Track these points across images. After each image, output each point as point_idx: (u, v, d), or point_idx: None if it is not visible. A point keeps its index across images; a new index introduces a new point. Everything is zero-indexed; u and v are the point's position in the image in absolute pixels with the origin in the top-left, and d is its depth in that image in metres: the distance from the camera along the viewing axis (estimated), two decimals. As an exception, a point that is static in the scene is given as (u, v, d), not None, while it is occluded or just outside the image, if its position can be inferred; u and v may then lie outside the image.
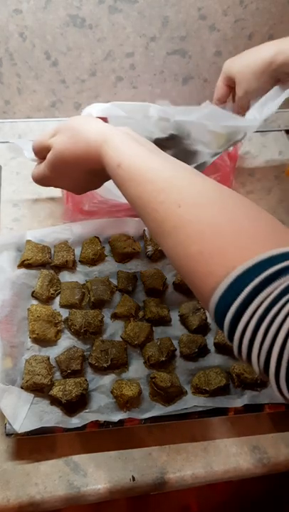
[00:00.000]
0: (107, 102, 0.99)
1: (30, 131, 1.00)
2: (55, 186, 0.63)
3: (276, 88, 0.73)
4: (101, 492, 0.60)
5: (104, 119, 0.65)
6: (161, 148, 0.51)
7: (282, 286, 0.33)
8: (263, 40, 0.95)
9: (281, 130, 1.09)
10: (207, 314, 0.71)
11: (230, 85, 0.76)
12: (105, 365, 0.65)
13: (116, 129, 0.52)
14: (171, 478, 0.61)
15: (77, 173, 0.56)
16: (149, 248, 0.78)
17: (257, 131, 1.08)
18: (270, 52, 0.70)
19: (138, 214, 0.47)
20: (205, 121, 0.72)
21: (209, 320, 0.72)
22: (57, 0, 0.83)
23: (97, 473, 0.61)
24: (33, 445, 0.62)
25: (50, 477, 0.60)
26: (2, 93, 0.95)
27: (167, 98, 1.02)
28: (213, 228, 0.39)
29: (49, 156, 0.56)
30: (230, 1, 0.88)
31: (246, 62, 0.72)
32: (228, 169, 0.90)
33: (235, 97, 0.76)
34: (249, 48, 0.96)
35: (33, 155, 0.63)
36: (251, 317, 0.34)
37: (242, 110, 0.77)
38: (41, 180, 0.61)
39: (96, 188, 0.62)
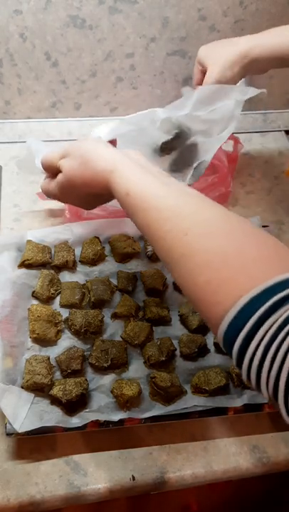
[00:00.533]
0: (106, 102, 1.00)
1: (31, 131, 1.01)
2: (64, 203, 0.66)
3: (243, 80, 0.74)
4: (101, 491, 0.60)
5: (114, 142, 0.65)
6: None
7: (286, 314, 0.34)
8: (263, 40, 0.95)
9: (281, 130, 1.10)
10: None
11: (204, 71, 0.76)
12: (105, 364, 0.65)
13: (125, 155, 0.53)
14: (171, 478, 0.61)
15: (85, 196, 0.58)
16: (149, 248, 0.79)
17: (257, 132, 1.09)
18: (247, 45, 0.71)
19: (147, 239, 0.47)
20: (196, 111, 0.72)
21: None
22: (57, 1, 0.83)
23: (97, 472, 0.61)
24: (34, 445, 0.62)
25: (50, 477, 0.60)
26: (2, 93, 0.96)
27: (167, 99, 1.02)
28: (220, 257, 0.39)
29: (59, 178, 0.58)
30: (230, 2, 0.88)
31: (222, 53, 0.72)
32: (225, 170, 0.90)
33: (203, 84, 0.75)
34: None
35: (40, 166, 0.64)
36: (258, 345, 0.34)
37: None
38: (50, 196, 0.63)
39: (105, 203, 0.63)
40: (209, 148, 0.74)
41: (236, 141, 0.94)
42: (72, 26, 0.87)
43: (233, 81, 0.73)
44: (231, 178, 0.91)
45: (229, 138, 0.94)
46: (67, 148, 0.57)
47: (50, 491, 0.59)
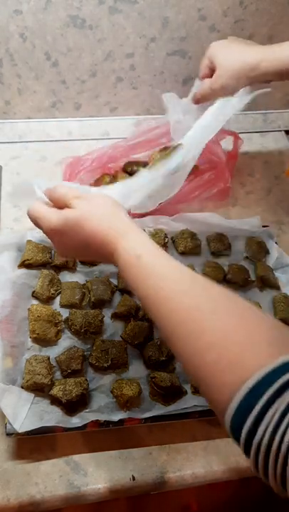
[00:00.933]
0: (106, 102, 1.00)
1: (31, 131, 1.01)
2: (51, 239, 0.57)
3: (245, 89, 0.75)
4: (101, 491, 0.60)
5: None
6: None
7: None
8: (263, 40, 0.95)
9: (281, 130, 1.10)
10: None
11: (212, 69, 0.76)
12: (105, 364, 0.65)
13: (137, 225, 0.51)
14: (171, 478, 0.61)
15: (84, 242, 0.53)
16: None
17: (257, 132, 1.09)
18: (255, 58, 0.71)
19: (150, 311, 0.46)
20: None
21: None
22: (57, 1, 0.83)
23: (97, 472, 0.61)
24: (34, 445, 0.62)
25: (50, 477, 0.60)
26: (2, 94, 0.96)
27: (167, 98, 1.02)
28: (229, 338, 0.39)
29: (66, 212, 0.53)
30: (230, 2, 0.88)
31: (231, 60, 0.73)
32: (223, 165, 0.90)
33: (210, 85, 0.75)
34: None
35: (43, 195, 0.57)
36: (263, 435, 0.34)
37: (203, 99, 0.78)
38: (41, 223, 0.56)
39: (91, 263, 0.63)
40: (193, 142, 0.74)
41: (236, 136, 0.94)
42: (72, 26, 0.87)
43: (236, 89, 0.74)
44: (230, 174, 0.90)
45: (228, 134, 0.94)
46: (86, 194, 0.55)
47: (50, 491, 0.59)
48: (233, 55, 0.74)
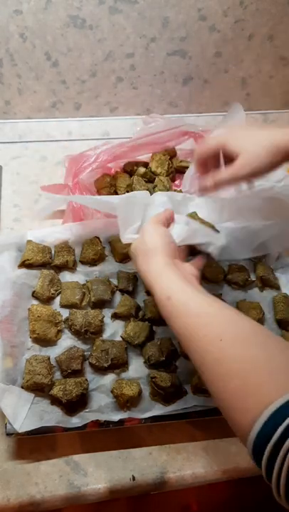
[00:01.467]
0: (107, 102, 1.00)
1: (31, 131, 1.01)
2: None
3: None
4: (101, 491, 0.60)
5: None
6: None
7: None
8: (263, 40, 0.95)
9: (281, 130, 1.10)
10: None
11: (228, 157, 0.67)
12: (105, 364, 0.65)
13: (174, 263, 0.57)
14: (171, 478, 0.61)
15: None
16: None
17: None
18: (283, 137, 0.64)
19: (182, 344, 0.50)
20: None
21: None
22: (57, 1, 0.83)
23: (97, 472, 0.61)
24: (34, 445, 0.62)
25: (50, 476, 0.60)
26: (3, 93, 0.96)
27: (167, 98, 1.03)
28: (251, 365, 0.42)
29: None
30: (230, 2, 0.88)
31: (258, 145, 0.65)
32: None
33: (234, 173, 0.66)
34: (249, 50, 0.97)
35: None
36: (283, 460, 0.35)
37: (218, 187, 0.69)
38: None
39: None
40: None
41: None
42: (73, 26, 0.87)
43: (269, 171, 0.67)
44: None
45: None
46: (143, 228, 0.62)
47: (50, 491, 0.59)
48: (257, 138, 0.66)
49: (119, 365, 0.66)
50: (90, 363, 0.66)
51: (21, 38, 0.87)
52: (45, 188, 0.88)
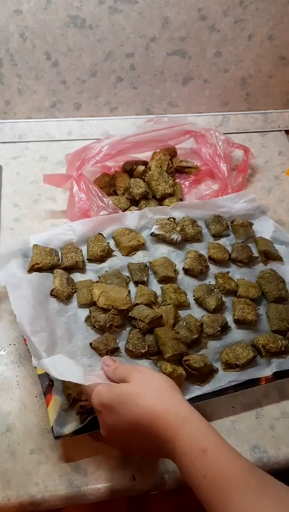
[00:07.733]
0: (107, 102, 1.00)
1: (31, 131, 1.01)
2: (100, 423, 0.53)
3: None
4: (101, 491, 0.60)
5: None
6: None
7: None
8: (263, 40, 0.95)
9: (281, 130, 1.10)
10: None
11: None
12: (142, 350, 0.65)
13: (196, 411, 0.48)
14: (171, 478, 0.61)
15: (129, 431, 0.50)
16: (154, 228, 0.80)
17: (257, 132, 1.09)
18: None
19: (203, 500, 0.44)
20: None
21: (224, 298, 0.74)
22: (57, 0, 0.83)
23: (97, 472, 0.61)
24: (34, 445, 0.62)
25: (50, 476, 0.60)
26: (3, 93, 0.96)
27: (167, 98, 1.03)
28: None
29: (123, 386, 0.51)
30: (230, 2, 0.88)
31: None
32: (226, 181, 0.91)
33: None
34: (249, 50, 0.96)
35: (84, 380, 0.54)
36: None
37: None
38: (92, 402, 0.52)
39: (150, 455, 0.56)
40: None
41: (247, 151, 0.95)
42: (73, 26, 0.87)
43: None
44: (234, 189, 0.91)
45: (239, 148, 0.95)
46: (146, 368, 0.54)
47: (51, 490, 0.59)
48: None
49: (154, 353, 0.66)
50: (126, 349, 0.66)
51: (21, 38, 0.87)
52: (47, 179, 0.86)
